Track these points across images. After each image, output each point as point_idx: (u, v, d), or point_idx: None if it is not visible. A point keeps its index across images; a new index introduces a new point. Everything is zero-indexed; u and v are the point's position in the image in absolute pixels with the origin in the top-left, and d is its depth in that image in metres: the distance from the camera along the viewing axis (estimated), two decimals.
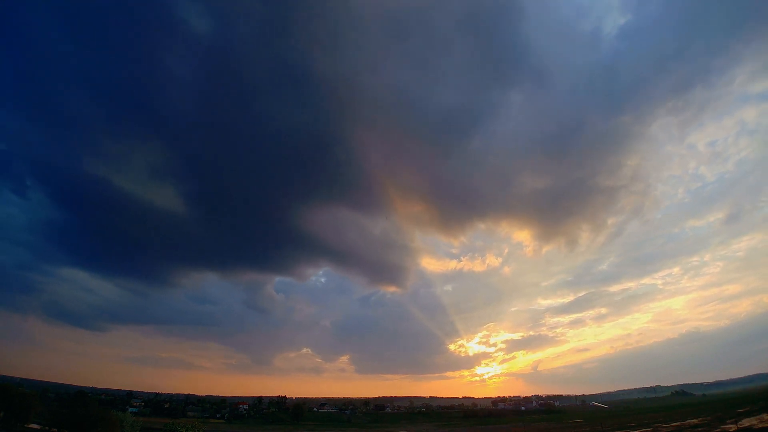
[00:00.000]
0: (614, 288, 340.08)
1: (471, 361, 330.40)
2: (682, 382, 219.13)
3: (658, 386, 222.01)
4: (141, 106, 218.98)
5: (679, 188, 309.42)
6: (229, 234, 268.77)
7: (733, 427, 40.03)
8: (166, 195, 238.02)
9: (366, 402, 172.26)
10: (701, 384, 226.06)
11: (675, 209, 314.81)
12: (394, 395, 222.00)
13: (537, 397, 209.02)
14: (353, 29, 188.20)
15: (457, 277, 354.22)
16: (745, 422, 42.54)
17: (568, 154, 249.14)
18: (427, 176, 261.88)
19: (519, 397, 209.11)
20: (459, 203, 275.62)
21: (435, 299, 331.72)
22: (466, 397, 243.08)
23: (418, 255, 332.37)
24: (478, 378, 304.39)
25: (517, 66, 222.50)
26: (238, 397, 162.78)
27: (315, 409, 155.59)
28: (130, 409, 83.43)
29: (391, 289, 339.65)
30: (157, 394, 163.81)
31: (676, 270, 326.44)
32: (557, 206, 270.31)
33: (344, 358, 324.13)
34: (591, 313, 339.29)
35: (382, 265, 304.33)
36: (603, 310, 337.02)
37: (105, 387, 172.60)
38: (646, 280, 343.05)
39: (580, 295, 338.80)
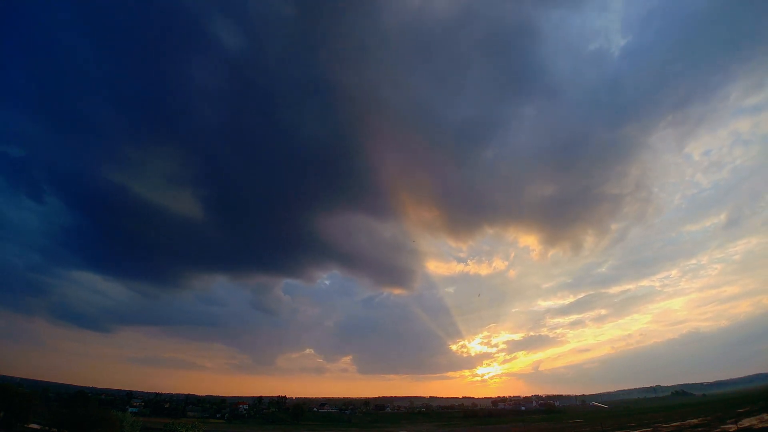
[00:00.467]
0: (613, 290, 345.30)
1: (473, 362, 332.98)
2: (682, 382, 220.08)
3: (658, 386, 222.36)
4: (164, 114, 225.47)
5: (675, 195, 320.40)
6: (242, 238, 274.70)
7: (733, 427, 40.04)
8: (183, 200, 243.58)
9: (366, 402, 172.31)
10: (701, 384, 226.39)
11: (672, 214, 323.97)
12: (394, 395, 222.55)
13: (537, 397, 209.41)
14: (380, 47, 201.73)
15: (461, 280, 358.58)
16: (745, 422, 42.54)
17: (575, 164, 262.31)
18: (440, 183, 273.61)
19: (519, 397, 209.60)
20: (470, 209, 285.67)
21: (439, 301, 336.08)
22: (466, 397, 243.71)
23: (426, 258, 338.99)
24: (479, 378, 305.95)
25: (531, 82, 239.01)
26: (238, 397, 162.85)
27: (315, 409, 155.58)
28: (130, 409, 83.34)
29: (398, 291, 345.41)
30: (157, 394, 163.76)
31: (674, 272, 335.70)
32: (564, 212, 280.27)
33: (347, 359, 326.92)
34: (591, 314, 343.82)
35: (389, 268, 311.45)
36: (603, 311, 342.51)
37: (105, 387, 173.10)
38: (645, 282, 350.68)
39: (580, 296, 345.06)
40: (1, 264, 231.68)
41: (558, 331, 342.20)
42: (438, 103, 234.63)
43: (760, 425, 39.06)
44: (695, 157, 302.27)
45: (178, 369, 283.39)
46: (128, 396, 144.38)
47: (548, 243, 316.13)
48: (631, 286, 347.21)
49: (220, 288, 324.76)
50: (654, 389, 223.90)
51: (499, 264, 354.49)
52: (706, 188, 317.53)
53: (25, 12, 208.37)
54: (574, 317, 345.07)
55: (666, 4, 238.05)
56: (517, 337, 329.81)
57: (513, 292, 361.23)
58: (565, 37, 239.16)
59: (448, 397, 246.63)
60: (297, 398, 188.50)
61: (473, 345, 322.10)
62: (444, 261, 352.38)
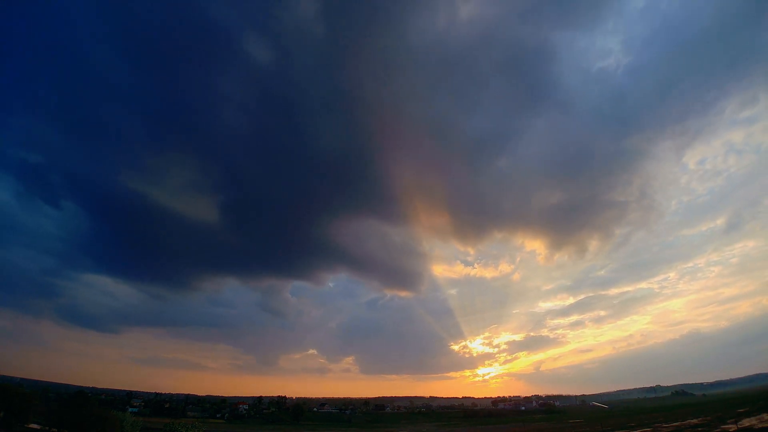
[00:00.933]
0: (612, 291, 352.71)
1: (474, 362, 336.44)
2: (682, 382, 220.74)
3: (659, 386, 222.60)
4: (185, 123, 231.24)
5: (672, 201, 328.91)
6: (256, 242, 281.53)
7: (733, 427, 40.00)
8: (200, 206, 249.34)
9: (366, 402, 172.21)
10: (701, 384, 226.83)
11: (668, 219, 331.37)
12: (394, 395, 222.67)
13: (537, 397, 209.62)
14: (404, 65, 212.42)
15: (466, 282, 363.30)
16: (745, 422, 42.49)
17: (583, 173, 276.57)
18: (453, 191, 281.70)
19: (519, 397, 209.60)
20: (480, 215, 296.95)
21: (443, 303, 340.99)
22: (466, 397, 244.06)
23: (434, 261, 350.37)
24: (480, 378, 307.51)
25: (543, 97, 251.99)
26: (238, 397, 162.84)
27: (315, 409, 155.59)
28: (129, 409, 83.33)
29: (403, 293, 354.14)
30: (157, 394, 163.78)
31: (672, 275, 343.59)
32: (571, 218, 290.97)
33: (349, 359, 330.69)
34: (590, 315, 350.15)
35: (397, 271, 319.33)
36: (602, 313, 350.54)
37: (105, 387, 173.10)
38: (643, 285, 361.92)
39: (580, 298, 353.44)
40: (14, 267, 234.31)
41: (558, 331, 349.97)
42: (455, 116, 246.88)
43: (760, 425, 39.01)
44: (691, 165, 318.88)
45: (180, 369, 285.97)
46: (128, 396, 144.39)
47: (554, 247, 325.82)
48: (629, 288, 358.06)
49: (230, 290, 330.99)
50: (654, 389, 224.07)
51: (505, 267, 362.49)
52: (702, 194, 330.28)
53: (49, 20, 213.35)
54: (574, 318, 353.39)
55: (666, 25, 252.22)
56: (519, 337, 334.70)
57: (515, 294, 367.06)
58: (575, 55, 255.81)
59: (448, 397, 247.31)
60: (297, 398, 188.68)
61: (475, 345, 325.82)
62: (452, 264, 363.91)
